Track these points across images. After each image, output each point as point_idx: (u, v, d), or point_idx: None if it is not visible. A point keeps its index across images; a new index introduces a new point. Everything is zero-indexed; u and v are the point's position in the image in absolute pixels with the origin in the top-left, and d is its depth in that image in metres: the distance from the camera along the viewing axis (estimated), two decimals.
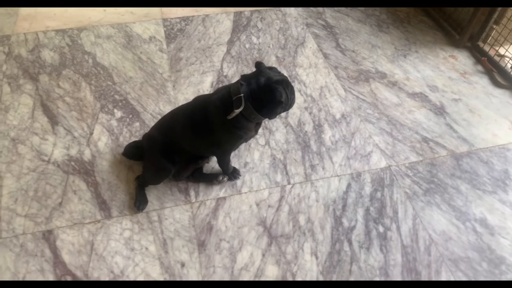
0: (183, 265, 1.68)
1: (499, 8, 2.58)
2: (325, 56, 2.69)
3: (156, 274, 1.65)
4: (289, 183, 1.98)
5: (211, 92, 2.18)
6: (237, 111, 1.58)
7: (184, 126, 1.75)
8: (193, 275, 1.66)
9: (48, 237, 1.74)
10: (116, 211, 1.84)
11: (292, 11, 3.06)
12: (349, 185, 1.98)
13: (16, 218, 1.80)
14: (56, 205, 1.85)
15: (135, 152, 1.96)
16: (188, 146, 1.80)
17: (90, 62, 2.55)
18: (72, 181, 1.94)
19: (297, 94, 2.41)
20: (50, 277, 1.63)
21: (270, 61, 2.64)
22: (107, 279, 1.63)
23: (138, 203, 1.83)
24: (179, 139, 1.78)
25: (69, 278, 1.63)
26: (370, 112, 2.34)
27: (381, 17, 3.05)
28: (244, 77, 1.63)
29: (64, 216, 1.81)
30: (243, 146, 2.10)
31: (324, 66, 2.62)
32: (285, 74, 2.53)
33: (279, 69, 2.52)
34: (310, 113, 2.32)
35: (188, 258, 1.70)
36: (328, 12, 3.07)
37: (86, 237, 1.75)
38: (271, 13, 3.03)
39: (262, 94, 1.59)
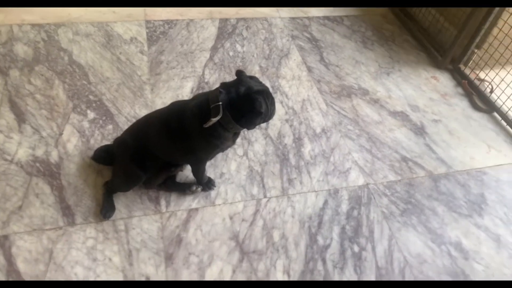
0: (148, 278, 1.59)
1: (481, 33, 2.62)
2: (309, 69, 2.67)
3: None
4: (265, 197, 1.91)
5: (190, 97, 2.11)
6: (214, 119, 1.52)
7: (159, 132, 1.67)
8: None
9: (4, 243, 1.62)
10: (81, 217, 1.73)
11: (278, 21, 3.04)
12: (326, 202, 1.93)
13: None
14: (15, 208, 1.73)
15: (105, 157, 1.87)
16: (162, 153, 1.72)
17: (66, 60, 2.45)
18: (35, 184, 1.82)
19: (278, 106, 2.37)
20: None
21: (254, 70, 2.60)
22: None
23: (105, 210, 1.73)
24: (153, 145, 1.70)
25: None
26: (351, 128, 2.31)
27: (366, 33, 3.06)
28: (224, 85, 1.57)
29: (23, 220, 1.69)
30: (220, 156, 2.04)
31: (307, 79, 2.59)
32: (268, 84, 2.49)
33: (261, 79, 2.47)
34: (290, 126, 2.27)
35: (154, 271, 1.61)
36: (314, 25, 3.06)
37: (45, 244, 1.63)
38: (257, 22, 2.99)
39: (242, 104, 1.54)
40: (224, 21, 2.95)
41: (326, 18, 3.15)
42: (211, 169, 1.98)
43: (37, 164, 1.89)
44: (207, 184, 1.88)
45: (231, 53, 2.69)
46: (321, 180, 2.02)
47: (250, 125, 1.62)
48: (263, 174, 2.01)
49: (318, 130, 2.28)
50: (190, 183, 1.87)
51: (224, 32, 2.86)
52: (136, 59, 2.53)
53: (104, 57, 2.50)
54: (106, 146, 1.91)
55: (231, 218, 1.81)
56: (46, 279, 1.54)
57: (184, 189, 1.86)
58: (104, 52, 2.54)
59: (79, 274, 1.57)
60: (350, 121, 2.36)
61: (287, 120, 2.30)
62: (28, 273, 1.55)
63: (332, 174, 2.06)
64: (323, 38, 2.95)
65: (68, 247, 1.63)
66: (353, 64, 2.77)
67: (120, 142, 1.79)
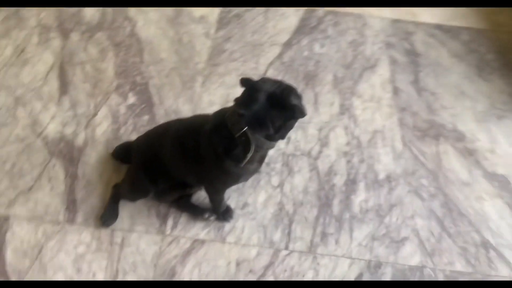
0: None
1: None
2: (395, 91, 2.15)
3: None
4: (286, 248, 1.58)
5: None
6: (249, 155, 1.20)
7: (173, 147, 1.41)
8: None
9: (2, 224, 1.56)
10: (82, 217, 1.60)
11: (375, 22, 2.50)
12: (359, 275, 1.53)
13: None
14: (26, 189, 1.65)
15: (124, 154, 1.69)
16: (174, 171, 1.46)
17: (128, 30, 2.29)
18: (53, 166, 1.72)
19: (341, 133, 1.95)
20: None
21: (325, 80, 2.17)
22: None
23: (106, 217, 1.57)
24: (166, 160, 1.45)
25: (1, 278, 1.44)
26: (425, 183, 1.81)
27: (486, 56, 2.38)
28: (240, 104, 1.20)
29: (28, 204, 1.61)
30: (249, 182, 1.73)
31: (388, 104, 2.09)
32: (337, 101, 2.07)
33: (332, 93, 2.07)
34: (348, 162, 1.85)
35: None
36: (420, 34, 2.46)
37: (39, 238, 1.53)
38: (348, 19, 2.50)
39: (274, 118, 1.18)
40: (310, 12, 2.52)
41: (438, 27, 2.51)
42: (234, 195, 1.70)
43: (62, 144, 1.79)
44: (223, 214, 1.60)
45: (305, 53, 2.29)
46: (363, 245, 1.61)
47: (286, 134, 1.27)
48: (294, 218, 1.66)
49: (382, 175, 1.82)
50: (205, 208, 1.61)
51: (306, 25, 2.44)
52: (199, 43, 2.27)
53: (166, 35, 2.29)
54: (128, 143, 1.73)
55: (238, 264, 1.52)
56: (26, 278, 1.45)
57: (196, 213, 1.61)
58: (168, 28, 2.33)
59: None
60: (428, 173, 1.84)
61: (345, 153, 1.88)
62: (12, 264, 1.47)
63: (380, 240, 1.63)
64: (426, 53, 2.36)
65: (59, 247, 1.52)
66: (455, 95, 2.17)
67: (138, 144, 1.58)
